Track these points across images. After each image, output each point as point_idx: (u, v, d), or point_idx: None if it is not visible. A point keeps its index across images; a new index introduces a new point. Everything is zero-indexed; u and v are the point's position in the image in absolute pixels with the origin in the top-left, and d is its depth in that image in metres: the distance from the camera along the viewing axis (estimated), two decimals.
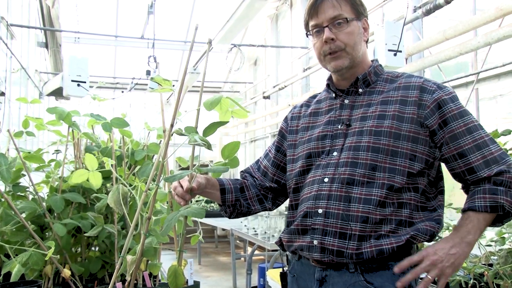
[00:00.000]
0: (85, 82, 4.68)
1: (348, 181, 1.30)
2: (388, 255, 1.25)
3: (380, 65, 1.47)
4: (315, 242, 1.30)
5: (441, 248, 1.23)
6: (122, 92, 7.43)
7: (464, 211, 1.28)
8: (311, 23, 1.40)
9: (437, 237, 1.37)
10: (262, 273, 4.73)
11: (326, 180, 1.33)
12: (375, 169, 1.28)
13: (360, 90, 1.41)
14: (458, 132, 1.28)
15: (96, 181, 1.85)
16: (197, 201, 1.92)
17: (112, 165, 1.91)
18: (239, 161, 1.57)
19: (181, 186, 1.38)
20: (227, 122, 1.49)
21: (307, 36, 1.44)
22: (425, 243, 1.37)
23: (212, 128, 1.43)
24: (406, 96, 1.34)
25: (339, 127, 1.39)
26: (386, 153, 1.28)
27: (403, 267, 1.23)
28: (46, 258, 1.68)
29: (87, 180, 1.85)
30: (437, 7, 3.96)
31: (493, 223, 1.28)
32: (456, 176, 1.33)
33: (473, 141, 1.28)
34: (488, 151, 1.28)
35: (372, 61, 1.46)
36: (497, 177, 1.26)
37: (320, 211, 1.31)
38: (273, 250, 4.65)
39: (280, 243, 1.48)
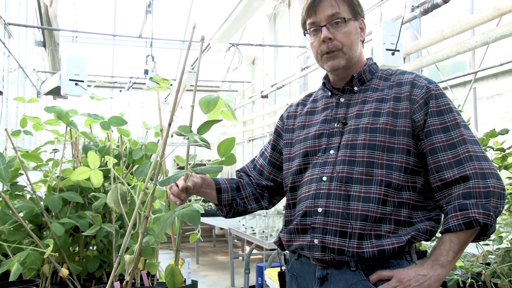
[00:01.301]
0: (83, 81, 4.67)
1: (346, 179, 1.30)
2: (389, 255, 1.25)
3: (375, 63, 1.48)
4: (316, 241, 1.30)
5: (413, 270, 1.22)
6: (120, 91, 7.42)
7: (441, 233, 1.24)
8: (309, 21, 1.40)
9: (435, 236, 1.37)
10: (260, 272, 4.73)
11: (324, 178, 1.33)
12: (373, 166, 1.29)
13: (356, 88, 1.42)
14: (432, 129, 1.28)
15: (97, 179, 1.86)
16: (195, 200, 1.92)
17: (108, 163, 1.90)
18: (236, 159, 1.57)
19: (177, 186, 1.38)
20: (221, 120, 1.49)
21: (305, 35, 1.45)
22: (423, 242, 1.38)
23: (206, 126, 1.43)
24: (399, 92, 1.35)
25: (336, 125, 1.39)
26: (383, 150, 1.29)
27: (374, 279, 1.24)
28: (45, 256, 1.68)
29: (88, 178, 1.85)
30: (435, 6, 3.96)
31: (478, 238, 1.24)
32: (429, 174, 1.30)
33: (446, 140, 1.27)
34: (464, 149, 1.25)
35: (367, 59, 1.47)
36: (465, 190, 1.22)
37: (319, 210, 1.31)
38: (271, 249, 4.65)
39: (279, 242, 1.48)
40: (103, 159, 2.08)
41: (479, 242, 1.90)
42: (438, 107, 1.30)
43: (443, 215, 1.28)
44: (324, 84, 1.50)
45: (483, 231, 1.22)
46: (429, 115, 1.29)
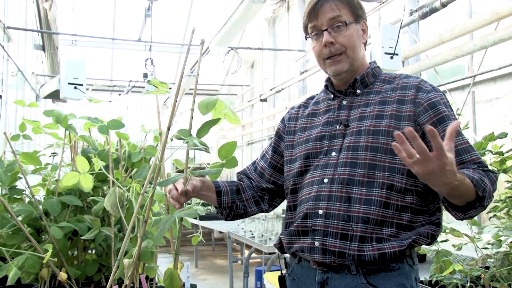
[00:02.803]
0: (82, 85, 4.68)
1: (348, 181, 1.30)
2: (390, 258, 1.25)
3: (378, 67, 1.48)
4: (317, 243, 1.30)
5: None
6: (119, 94, 7.43)
7: None
8: (310, 25, 1.41)
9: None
10: (259, 276, 4.72)
11: (325, 180, 1.33)
12: (375, 168, 1.29)
13: (358, 91, 1.42)
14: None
15: (87, 183, 1.84)
16: (196, 203, 1.92)
17: (107, 167, 1.90)
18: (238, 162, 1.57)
19: (176, 189, 1.38)
20: (219, 119, 1.48)
21: (306, 39, 1.45)
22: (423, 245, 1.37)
23: (205, 128, 1.42)
24: (403, 95, 1.35)
25: (337, 127, 1.39)
26: (385, 152, 1.29)
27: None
28: (44, 261, 1.67)
29: (78, 182, 1.84)
30: (433, 10, 3.98)
31: (458, 209, 1.20)
32: None
33: (464, 143, 1.28)
34: (476, 155, 1.27)
35: (370, 63, 1.48)
36: (486, 170, 1.23)
37: (320, 212, 1.31)
38: (270, 253, 4.64)
39: (279, 245, 1.47)
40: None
41: (478, 246, 1.91)
42: (451, 115, 1.32)
43: None
44: (326, 86, 1.50)
45: (467, 207, 1.18)
46: (446, 118, 1.29)
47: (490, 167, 1.28)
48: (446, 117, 1.30)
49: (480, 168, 1.24)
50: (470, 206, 1.18)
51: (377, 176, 1.28)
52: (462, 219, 1.25)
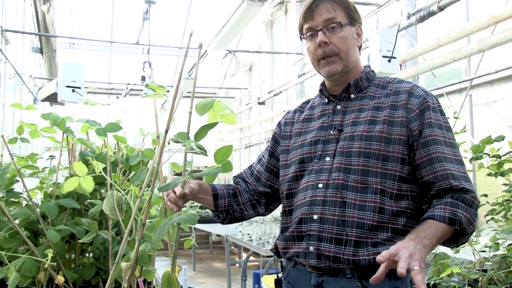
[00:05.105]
0: (80, 88, 4.67)
1: (342, 186, 1.30)
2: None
3: (372, 71, 1.48)
4: (311, 248, 1.30)
5: (407, 245, 1.10)
6: (117, 97, 7.42)
7: (423, 219, 1.23)
8: (306, 26, 1.41)
9: None
10: (257, 279, 4.71)
11: (320, 185, 1.33)
12: (368, 174, 1.29)
13: (352, 95, 1.43)
14: (430, 140, 1.29)
15: (88, 185, 1.85)
16: (191, 206, 1.91)
17: (105, 170, 1.90)
18: (233, 166, 1.56)
19: (174, 192, 1.38)
20: (217, 123, 1.48)
21: (301, 40, 1.46)
22: None
23: (202, 131, 1.42)
24: (396, 101, 1.35)
25: (331, 132, 1.39)
26: (377, 158, 1.29)
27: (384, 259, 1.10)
28: (45, 266, 1.66)
29: (79, 185, 1.85)
30: (431, 14, 3.99)
31: (449, 241, 1.24)
32: (423, 186, 1.30)
33: (441, 152, 1.28)
34: (455, 168, 1.27)
35: (364, 66, 1.48)
36: (461, 194, 1.24)
37: (315, 217, 1.31)
38: (268, 256, 4.64)
39: (275, 250, 1.47)
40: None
41: (476, 249, 1.91)
42: (438, 120, 1.32)
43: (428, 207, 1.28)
44: (321, 91, 1.50)
45: (455, 237, 1.22)
46: (426, 125, 1.30)
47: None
48: (427, 124, 1.30)
49: (456, 197, 1.23)
50: (457, 237, 1.23)
51: (371, 182, 1.28)
52: (457, 247, 1.30)
